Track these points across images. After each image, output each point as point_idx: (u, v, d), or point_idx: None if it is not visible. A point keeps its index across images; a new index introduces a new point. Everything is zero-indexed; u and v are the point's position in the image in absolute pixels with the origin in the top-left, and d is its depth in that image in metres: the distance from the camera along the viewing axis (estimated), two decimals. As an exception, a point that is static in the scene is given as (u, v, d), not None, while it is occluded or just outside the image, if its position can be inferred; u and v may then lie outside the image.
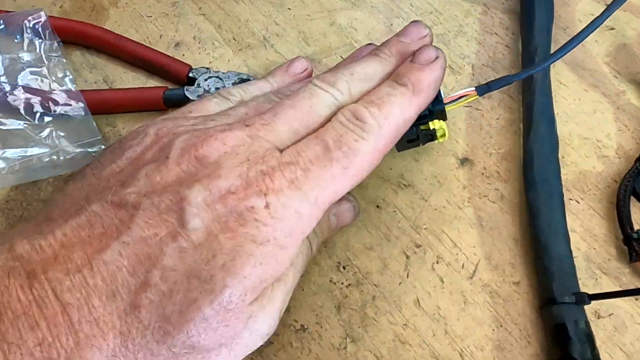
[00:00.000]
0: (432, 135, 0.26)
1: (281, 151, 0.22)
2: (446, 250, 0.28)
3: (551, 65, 0.33)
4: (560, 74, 0.34)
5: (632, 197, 0.29)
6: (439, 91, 0.26)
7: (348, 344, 0.25)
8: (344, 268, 0.27)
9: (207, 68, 0.32)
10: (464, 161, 0.31)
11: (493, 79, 0.28)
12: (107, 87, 0.33)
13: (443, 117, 0.26)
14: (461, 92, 0.26)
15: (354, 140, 0.22)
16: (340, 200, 0.23)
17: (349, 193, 0.24)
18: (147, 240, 0.20)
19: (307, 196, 0.21)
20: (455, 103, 0.26)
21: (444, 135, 0.26)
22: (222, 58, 0.34)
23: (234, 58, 0.34)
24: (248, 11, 0.36)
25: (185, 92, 0.31)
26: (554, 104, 0.32)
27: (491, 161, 0.31)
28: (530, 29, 0.33)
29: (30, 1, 0.36)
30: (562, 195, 0.27)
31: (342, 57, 0.34)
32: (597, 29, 0.35)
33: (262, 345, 0.24)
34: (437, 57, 0.25)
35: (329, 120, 0.23)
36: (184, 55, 0.34)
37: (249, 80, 0.31)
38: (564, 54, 0.24)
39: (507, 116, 0.32)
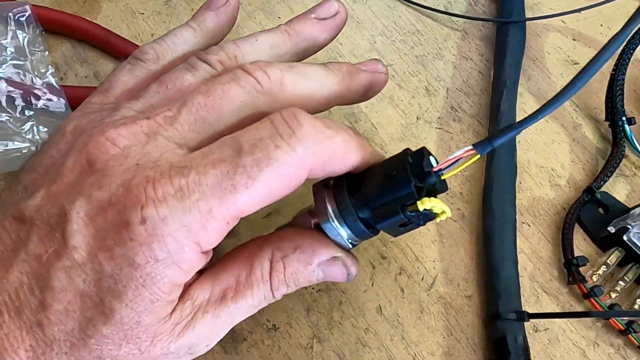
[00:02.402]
0: (428, 216, 0.21)
1: (189, 149, 0.20)
2: (409, 263, 0.31)
3: (518, 95, 0.36)
4: (526, 104, 0.36)
5: (577, 225, 0.32)
6: (426, 159, 0.22)
7: (314, 343, 0.28)
8: (315, 274, 0.30)
9: (197, 73, 0.33)
10: (432, 181, 0.33)
11: (466, 102, 0.30)
12: (98, 83, 0.34)
13: (443, 187, 0.22)
14: (457, 155, 0.21)
15: (275, 147, 0.19)
16: (333, 259, 0.22)
17: (351, 253, 0.22)
18: (39, 259, 0.19)
19: (197, 207, 0.18)
20: (451, 171, 0.21)
21: (444, 212, 0.21)
22: (212, 62, 0.35)
23: (223, 63, 0.35)
24: (240, 17, 0.37)
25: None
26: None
27: (456, 183, 0.33)
28: (501, 62, 0.35)
29: (21, -14, 0.36)
30: (515, 222, 0.31)
31: (327, 71, 0.36)
32: (562, 63, 0.38)
33: (236, 342, 0.27)
34: (384, 72, 0.25)
35: (250, 115, 0.21)
36: (174, 56, 0.35)
37: None
38: (532, 123, 0.22)
39: (475, 140, 0.35)
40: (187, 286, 0.21)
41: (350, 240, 0.23)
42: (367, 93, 0.25)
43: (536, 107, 0.36)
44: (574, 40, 0.39)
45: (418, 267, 0.30)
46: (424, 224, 0.22)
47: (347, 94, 0.24)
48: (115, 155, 0.19)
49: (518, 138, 0.35)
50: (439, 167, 0.21)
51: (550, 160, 0.35)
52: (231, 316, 0.21)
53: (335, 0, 0.26)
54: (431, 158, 0.22)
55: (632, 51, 0.35)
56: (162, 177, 0.18)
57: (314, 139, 0.19)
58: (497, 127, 0.33)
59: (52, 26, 0.34)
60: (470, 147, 0.21)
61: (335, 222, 0.22)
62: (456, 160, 0.21)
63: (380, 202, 0.21)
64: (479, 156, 0.21)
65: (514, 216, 0.31)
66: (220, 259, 0.23)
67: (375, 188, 0.21)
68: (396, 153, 0.22)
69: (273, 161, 0.19)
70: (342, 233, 0.22)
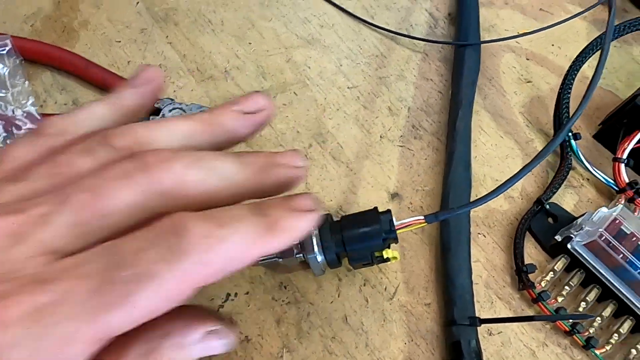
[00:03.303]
0: (384, 259, 0.28)
1: (62, 255, 0.17)
2: (372, 275, 0.33)
3: (474, 113, 0.39)
4: (482, 121, 0.39)
5: (529, 234, 0.35)
6: (392, 220, 0.28)
7: (284, 353, 0.30)
8: (285, 287, 0.32)
9: (172, 99, 0.35)
10: (394, 196, 0.36)
11: (426, 121, 0.33)
12: (77, 110, 0.35)
13: (395, 241, 0.29)
14: (411, 220, 0.28)
15: (155, 260, 0.16)
16: (209, 333, 0.19)
17: (230, 320, 0.20)
18: None
19: (56, 330, 0.15)
20: (405, 228, 0.28)
21: (395, 257, 0.28)
22: (186, 87, 0.37)
23: (197, 88, 0.38)
24: (212, 42, 0.40)
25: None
26: (474, 147, 0.37)
27: (417, 197, 0.36)
28: (458, 82, 0.38)
29: (2, 18, 0.38)
30: (469, 234, 0.33)
31: (296, 94, 0.38)
32: (516, 82, 0.41)
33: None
34: (311, 210, 0.20)
35: (143, 214, 0.18)
36: (150, 82, 0.37)
37: None
38: (480, 204, 0.27)
39: (434, 157, 0.37)
40: None
41: (323, 269, 0.28)
42: (280, 189, 0.22)
43: (492, 124, 0.39)
44: (527, 59, 0.42)
45: (381, 278, 0.33)
46: (377, 264, 0.29)
47: (258, 190, 0.21)
48: None
49: (474, 154, 0.37)
50: (398, 227, 0.28)
51: (505, 174, 0.37)
52: None
53: (262, 96, 0.23)
54: (393, 219, 0.29)
55: (576, 72, 0.37)
56: (18, 294, 0.15)
57: (202, 247, 0.16)
58: (454, 145, 0.35)
59: (32, 56, 0.36)
60: (422, 218, 0.28)
61: (319, 256, 0.28)
62: (410, 224, 0.28)
63: (356, 247, 0.28)
64: (426, 223, 0.27)
65: (469, 228, 0.33)
66: None
67: (355, 238, 0.28)
68: (366, 210, 0.29)
69: (153, 277, 0.16)
70: (321, 265, 0.28)
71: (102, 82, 0.35)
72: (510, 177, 0.28)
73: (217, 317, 0.20)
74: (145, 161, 0.18)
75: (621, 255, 0.31)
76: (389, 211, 0.30)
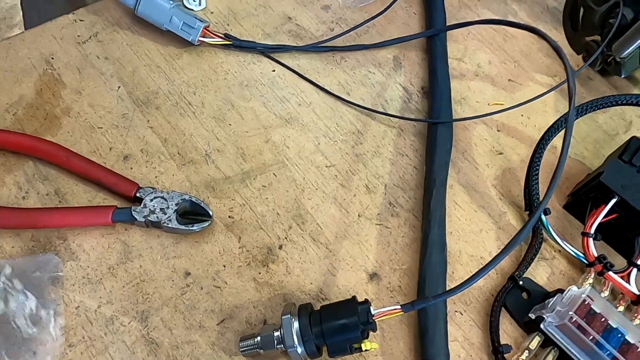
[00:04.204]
0: (362, 350, 0.30)
1: None
2: (353, 359, 0.33)
3: (448, 187, 0.40)
4: (456, 195, 0.40)
5: (505, 310, 0.36)
6: (369, 310, 0.30)
7: None
8: None
9: (154, 188, 0.36)
10: (373, 276, 0.36)
11: (402, 197, 0.34)
12: (58, 200, 0.36)
13: (373, 329, 0.31)
14: (389, 309, 0.30)
15: None
16: None
17: None
18: None
19: None
20: (383, 317, 0.30)
21: (374, 348, 0.31)
22: (167, 172, 0.38)
23: (178, 173, 0.38)
24: (192, 125, 0.41)
25: (133, 213, 0.35)
26: (449, 223, 0.39)
27: (395, 276, 0.37)
28: (431, 161, 0.39)
29: (-16, 107, 0.39)
30: (446, 316, 0.34)
31: (275, 175, 0.39)
32: (488, 154, 0.43)
33: None
34: None
35: None
36: (132, 168, 0.38)
37: (192, 202, 0.36)
38: (453, 295, 0.30)
39: (411, 234, 0.38)
40: None
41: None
42: None
43: (466, 198, 0.40)
44: (498, 131, 0.44)
45: (362, 363, 0.33)
46: (356, 353, 0.31)
47: None
48: None
49: (450, 229, 0.38)
50: (375, 317, 0.30)
51: (479, 249, 0.38)
52: None
53: None
54: (371, 308, 0.30)
55: (542, 150, 0.39)
56: None
57: None
58: (429, 227, 0.36)
59: (14, 148, 0.36)
60: (399, 307, 0.30)
61: (299, 348, 0.30)
62: (387, 314, 0.30)
63: (334, 340, 0.30)
64: (402, 312, 0.30)
65: (445, 311, 0.34)
66: None
67: (333, 330, 0.30)
68: (344, 300, 0.32)
69: None
70: (301, 356, 0.30)
71: (83, 171, 0.36)
72: (480, 269, 0.29)
73: None
74: None
75: (591, 337, 0.32)
76: (367, 301, 0.31)
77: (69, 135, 0.39)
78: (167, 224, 0.35)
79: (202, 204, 0.36)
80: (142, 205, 0.35)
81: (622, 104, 0.39)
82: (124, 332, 0.32)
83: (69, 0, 0.55)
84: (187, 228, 0.35)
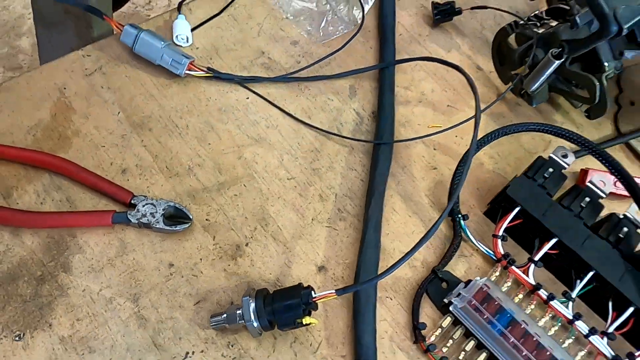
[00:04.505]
0: (304, 325, 0.38)
1: None
2: (301, 334, 0.42)
3: (388, 197, 0.49)
4: (395, 203, 0.49)
5: (427, 297, 0.45)
6: (310, 293, 0.38)
7: (230, 398, 0.39)
8: (232, 346, 0.41)
9: (145, 196, 0.45)
10: (321, 268, 0.45)
11: (350, 205, 0.42)
12: (69, 205, 0.45)
13: (315, 309, 0.39)
14: (325, 294, 0.38)
15: None
16: None
17: None
18: None
19: None
20: (322, 300, 0.39)
21: (314, 322, 0.39)
22: (157, 184, 0.47)
23: (166, 184, 0.47)
24: (178, 144, 0.49)
25: (128, 216, 0.43)
26: (387, 226, 0.47)
27: (339, 269, 0.45)
28: (373, 175, 0.48)
29: (10, 129, 0.48)
30: (375, 301, 0.43)
31: (245, 186, 0.48)
32: (424, 169, 0.51)
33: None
34: None
35: None
36: (128, 180, 0.47)
37: (176, 207, 0.44)
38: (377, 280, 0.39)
39: (355, 235, 0.47)
40: None
41: (259, 332, 0.39)
42: None
43: (403, 205, 0.49)
44: (434, 149, 0.53)
45: (308, 336, 0.42)
46: (300, 327, 0.40)
47: None
48: None
49: (386, 231, 0.47)
50: (315, 299, 0.39)
51: (410, 247, 0.47)
52: None
53: None
54: (312, 292, 0.39)
55: (461, 168, 0.48)
56: None
57: None
58: (366, 227, 0.45)
59: (34, 162, 0.45)
60: (333, 292, 0.38)
61: (254, 322, 0.39)
62: (325, 297, 0.38)
63: (283, 316, 0.39)
64: (336, 296, 0.38)
65: (375, 297, 0.43)
66: None
67: (281, 308, 0.39)
68: (292, 285, 0.40)
69: None
70: (257, 329, 0.39)
71: (89, 183, 0.45)
72: (395, 262, 0.38)
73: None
74: None
75: (485, 316, 0.40)
76: (309, 287, 0.39)
77: (78, 153, 0.47)
78: (156, 225, 0.43)
79: (184, 209, 0.45)
80: (135, 210, 0.44)
81: (524, 131, 0.48)
82: (120, 310, 0.41)
83: (77, 31, 0.64)
84: (172, 228, 0.44)
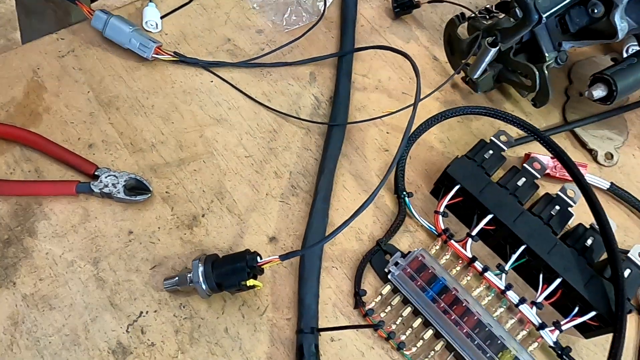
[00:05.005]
0: (249, 287, 0.41)
1: None
2: (249, 297, 0.45)
3: (339, 174, 0.52)
4: (346, 181, 0.52)
5: (371, 267, 0.48)
6: (255, 258, 0.41)
7: (179, 354, 0.42)
8: (183, 307, 0.44)
9: (108, 168, 0.48)
10: (272, 239, 0.48)
11: (303, 182, 0.46)
12: (37, 175, 0.48)
13: (261, 273, 0.43)
14: (270, 259, 0.41)
15: None
16: None
17: None
18: None
19: None
20: (266, 265, 0.42)
21: (258, 286, 0.41)
22: (121, 158, 0.50)
23: (129, 158, 0.50)
24: (143, 122, 0.52)
25: (91, 186, 0.46)
26: (337, 202, 0.50)
27: (290, 240, 0.48)
28: (325, 155, 0.51)
29: (-17, 105, 0.51)
30: (320, 268, 0.46)
31: (204, 162, 0.51)
32: (376, 150, 0.54)
33: (125, 354, 0.40)
34: None
35: None
36: (94, 154, 0.50)
37: (137, 179, 0.48)
38: (336, 234, 0.41)
39: (306, 209, 0.50)
40: None
41: (208, 293, 0.42)
42: None
43: (354, 184, 0.52)
44: (387, 133, 0.56)
45: (255, 300, 0.45)
46: (245, 291, 0.43)
47: None
48: None
49: (337, 207, 0.50)
50: (260, 263, 0.42)
51: (358, 222, 0.50)
52: None
53: None
54: (258, 258, 0.42)
55: (404, 149, 0.51)
56: None
57: None
58: (316, 202, 0.48)
59: (6, 136, 0.48)
60: (277, 257, 0.41)
61: (203, 285, 0.41)
62: (269, 262, 0.41)
63: (229, 278, 0.41)
64: (280, 261, 0.41)
65: (319, 264, 0.46)
66: None
67: (227, 271, 0.41)
68: (240, 251, 0.43)
69: None
70: (206, 290, 0.41)
71: (57, 155, 0.48)
72: (337, 227, 0.41)
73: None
74: None
75: (418, 283, 0.43)
76: (255, 252, 0.42)
77: (47, 128, 0.50)
78: (117, 195, 0.46)
79: (145, 182, 0.48)
80: (98, 181, 0.47)
81: (467, 114, 0.51)
82: (80, 272, 0.44)
83: (56, 18, 0.67)
84: (132, 198, 0.47)
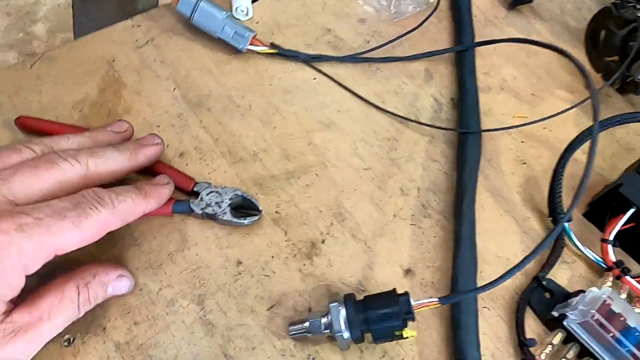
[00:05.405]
0: (403, 337, 0.33)
1: (18, 206, 0.28)
2: (390, 347, 0.36)
3: (477, 193, 0.43)
4: (484, 200, 0.43)
5: (529, 308, 0.39)
6: (410, 301, 0.33)
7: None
8: (312, 359, 0.35)
9: (209, 183, 0.39)
10: (408, 272, 0.39)
11: (434, 201, 0.37)
12: (121, 191, 0.39)
13: (412, 319, 0.33)
14: (428, 302, 0.33)
15: (89, 208, 0.29)
16: (119, 276, 0.33)
17: (128, 271, 0.35)
18: None
19: (31, 238, 0.27)
20: (421, 308, 0.33)
21: (413, 335, 0.33)
22: (219, 169, 0.41)
23: (229, 169, 0.41)
24: (241, 126, 0.44)
25: (191, 205, 0.38)
26: (477, 224, 0.41)
27: (428, 273, 0.40)
28: (462, 169, 0.42)
29: (52, 103, 0.42)
30: (477, 310, 0.37)
31: (317, 175, 0.42)
32: (512, 162, 0.46)
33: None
34: (167, 183, 0.36)
35: (69, 187, 0.31)
36: (187, 164, 0.41)
37: (244, 197, 0.39)
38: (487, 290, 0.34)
39: (442, 235, 0.41)
40: (9, 312, 0.28)
41: (348, 344, 0.32)
42: (149, 162, 0.37)
43: (492, 203, 0.43)
44: (522, 142, 0.47)
45: (398, 350, 0.36)
46: (397, 340, 0.35)
47: (136, 165, 0.36)
48: None
49: (478, 231, 0.41)
50: (416, 307, 0.33)
51: (505, 249, 0.41)
52: (45, 334, 0.29)
53: (124, 122, 0.39)
54: (410, 300, 0.33)
55: (565, 162, 0.42)
56: (4, 217, 0.27)
57: (112, 203, 0.31)
58: (461, 228, 0.39)
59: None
60: (437, 300, 0.33)
61: (345, 333, 0.33)
62: (426, 305, 0.33)
63: (378, 327, 0.33)
64: (440, 305, 0.33)
65: (477, 305, 0.37)
66: (35, 290, 0.30)
67: (377, 318, 0.33)
68: (385, 291, 0.35)
69: (88, 216, 0.29)
70: (347, 341, 0.33)
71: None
72: (511, 268, 0.33)
73: (124, 267, 0.35)
74: (63, 154, 0.32)
75: (611, 334, 0.35)
76: (407, 293, 0.34)
77: (129, 132, 0.42)
78: (222, 216, 0.38)
79: (252, 199, 0.39)
80: (199, 199, 0.38)
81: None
82: (183, 313, 0.35)
83: (119, 4, 0.58)
84: (240, 221, 0.38)
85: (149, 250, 0.37)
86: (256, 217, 0.38)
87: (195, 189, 0.39)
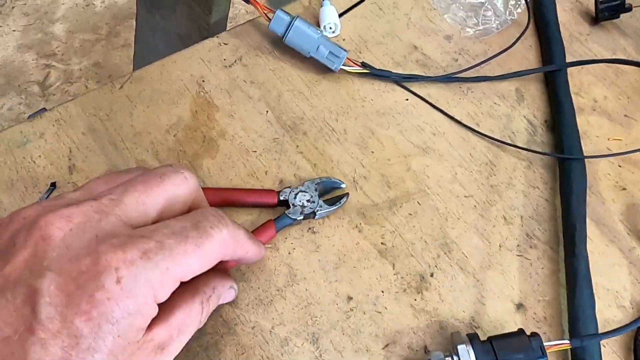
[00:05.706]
0: None
1: (134, 227, 0.25)
2: (510, 388, 0.35)
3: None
4: (589, 229, 0.42)
5: (643, 343, 0.38)
6: (542, 345, 0.32)
7: None
8: None
9: (288, 186, 0.39)
10: (519, 306, 0.38)
11: (538, 230, 0.36)
12: (224, 221, 0.38)
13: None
14: (560, 343, 0.33)
15: (210, 227, 0.26)
16: (230, 287, 0.32)
17: (235, 280, 0.33)
18: (9, 340, 0.21)
19: (158, 266, 0.23)
20: (552, 350, 0.33)
21: None
22: (320, 198, 0.40)
23: (330, 198, 0.40)
24: (338, 151, 0.42)
25: (289, 215, 0.37)
26: (584, 256, 0.40)
27: (540, 307, 0.38)
28: (568, 199, 0.41)
29: (146, 127, 0.41)
30: (600, 349, 0.36)
31: (419, 203, 0.41)
32: (612, 189, 0.44)
33: None
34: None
35: (182, 205, 0.28)
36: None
37: (324, 182, 0.39)
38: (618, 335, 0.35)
39: (550, 266, 0.40)
40: (148, 330, 0.26)
41: None
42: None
43: (597, 233, 0.42)
44: (619, 167, 0.45)
45: (518, 391, 0.35)
46: None
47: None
48: (72, 230, 0.23)
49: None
50: (549, 349, 0.33)
51: (614, 283, 0.40)
52: (178, 348, 0.28)
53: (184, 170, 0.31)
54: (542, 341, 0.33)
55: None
56: (127, 244, 0.23)
57: (232, 227, 0.28)
58: (576, 264, 0.38)
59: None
60: (567, 342, 0.33)
61: None
62: (557, 346, 0.33)
63: None
64: (570, 346, 0.33)
65: (599, 345, 0.36)
66: (164, 304, 0.27)
67: None
68: (512, 331, 0.34)
69: (210, 237, 0.26)
70: None
71: (231, 201, 0.38)
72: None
73: (232, 278, 0.34)
74: (175, 167, 0.29)
75: None
76: (537, 335, 0.32)
77: (226, 158, 0.40)
78: (320, 210, 0.38)
79: (333, 179, 0.39)
80: (292, 206, 0.37)
81: None
82: (298, 352, 0.34)
83: (190, 15, 0.57)
84: (334, 207, 0.38)
85: (257, 286, 0.36)
86: (345, 198, 0.39)
87: (281, 198, 0.37)
